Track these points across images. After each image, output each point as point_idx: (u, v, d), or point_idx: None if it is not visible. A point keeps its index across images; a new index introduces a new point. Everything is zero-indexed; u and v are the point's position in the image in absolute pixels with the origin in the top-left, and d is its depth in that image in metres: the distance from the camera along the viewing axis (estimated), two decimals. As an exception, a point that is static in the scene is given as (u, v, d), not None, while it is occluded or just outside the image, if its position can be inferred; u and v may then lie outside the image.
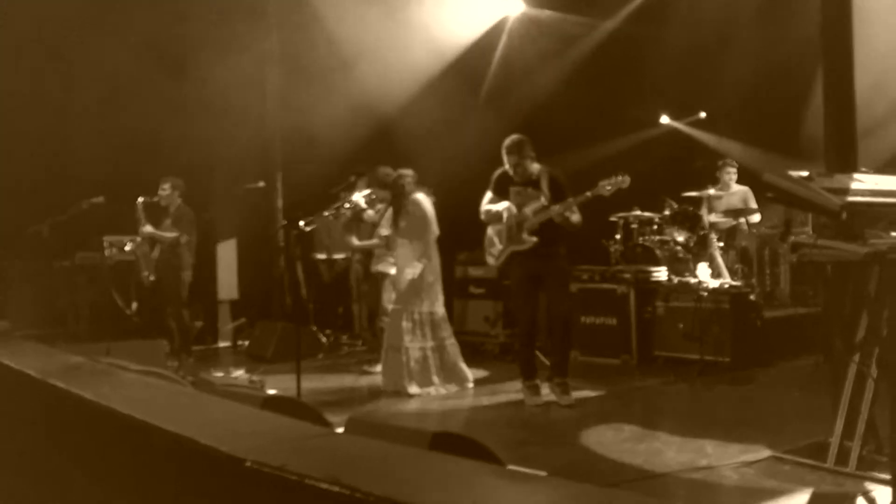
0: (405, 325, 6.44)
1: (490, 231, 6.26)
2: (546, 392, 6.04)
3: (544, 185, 5.97)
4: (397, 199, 6.68)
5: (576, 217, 5.89)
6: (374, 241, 7.43)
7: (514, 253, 6.02)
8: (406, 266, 6.55)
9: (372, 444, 2.19)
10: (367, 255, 7.75)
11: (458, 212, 7.27)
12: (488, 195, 6.20)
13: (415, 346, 6.44)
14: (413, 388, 6.39)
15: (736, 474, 4.10)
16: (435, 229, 6.64)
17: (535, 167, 6.04)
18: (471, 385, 6.63)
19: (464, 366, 6.68)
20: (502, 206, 6.04)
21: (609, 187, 5.76)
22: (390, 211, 6.83)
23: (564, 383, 5.98)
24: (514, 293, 6.23)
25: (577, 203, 5.83)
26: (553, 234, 5.93)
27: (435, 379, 6.48)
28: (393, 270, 6.94)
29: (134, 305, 8.33)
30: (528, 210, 5.96)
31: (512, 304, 6.33)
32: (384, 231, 7.16)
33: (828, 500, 3.76)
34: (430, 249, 6.59)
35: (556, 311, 6.04)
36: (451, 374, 6.58)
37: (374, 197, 7.13)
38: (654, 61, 9.89)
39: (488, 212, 6.17)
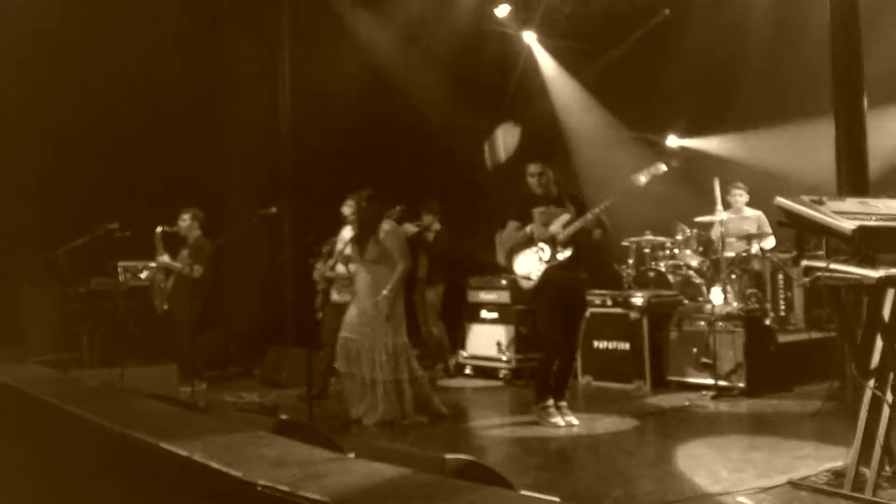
0: (379, 357, 6.16)
1: (517, 259, 6.12)
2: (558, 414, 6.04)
3: (567, 201, 6.05)
4: (368, 226, 6.40)
5: (608, 237, 5.95)
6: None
7: (549, 272, 5.95)
8: (372, 294, 6.27)
9: (383, 468, 2.19)
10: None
11: (469, 237, 7.31)
12: (511, 224, 6.12)
13: (390, 378, 6.16)
14: (374, 418, 6.12)
15: (752, 501, 4.06)
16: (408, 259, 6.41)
17: (555, 187, 6.08)
18: (445, 414, 6.38)
19: (436, 399, 6.46)
20: (528, 229, 6.03)
21: (644, 178, 5.72)
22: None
23: (565, 405, 6.09)
24: (546, 313, 6.04)
25: (614, 202, 5.81)
26: (579, 261, 5.98)
27: (408, 411, 6.19)
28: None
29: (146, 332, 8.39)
30: (556, 226, 5.97)
31: (541, 324, 6.17)
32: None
33: (845, 527, 3.72)
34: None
35: (572, 337, 6.10)
36: (424, 406, 6.32)
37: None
38: (667, 85, 9.98)
39: (511, 238, 6.08)
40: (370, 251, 6.30)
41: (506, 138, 5.77)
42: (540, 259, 6.00)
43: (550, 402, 6.03)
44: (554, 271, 5.95)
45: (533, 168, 6.06)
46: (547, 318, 6.04)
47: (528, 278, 6.05)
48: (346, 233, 7.08)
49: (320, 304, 7.68)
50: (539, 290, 6.02)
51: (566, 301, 6.00)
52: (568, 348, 6.09)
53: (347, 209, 6.97)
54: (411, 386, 6.20)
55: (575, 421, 5.96)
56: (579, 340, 6.28)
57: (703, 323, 7.18)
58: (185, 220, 8.00)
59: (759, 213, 8.52)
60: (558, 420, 5.95)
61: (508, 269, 6.26)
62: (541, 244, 6.00)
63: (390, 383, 6.13)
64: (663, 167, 5.75)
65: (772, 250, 8.42)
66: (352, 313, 6.34)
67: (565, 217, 5.97)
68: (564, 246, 5.93)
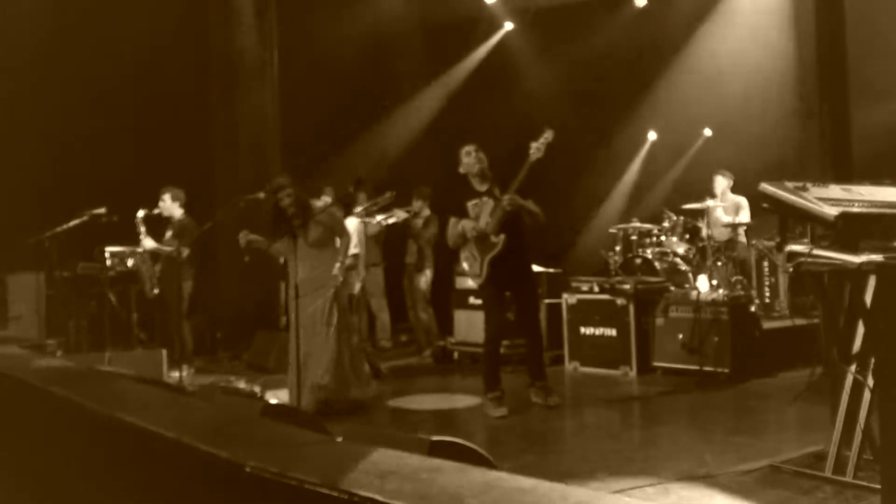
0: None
1: (464, 254, 6.25)
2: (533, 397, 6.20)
3: (496, 190, 6.10)
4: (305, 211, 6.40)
5: (532, 205, 5.97)
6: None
7: (491, 262, 6.03)
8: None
9: (369, 450, 2.22)
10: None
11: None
12: (451, 221, 6.26)
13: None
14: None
15: (734, 483, 4.11)
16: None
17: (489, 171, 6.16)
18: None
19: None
20: (459, 226, 6.14)
21: (541, 149, 5.82)
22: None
23: (545, 386, 6.17)
24: (488, 298, 6.29)
25: (520, 181, 5.87)
26: (517, 242, 6.04)
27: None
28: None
29: (134, 316, 8.35)
30: (483, 219, 6.07)
31: (484, 310, 6.39)
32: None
33: (825, 509, 3.77)
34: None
35: (527, 317, 6.22)
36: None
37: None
38: (649, 79, 10.02)
39: (451, 236, 6.24)
40: (311, 234, 6.31)
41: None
42: (482, 250, 6.06)
43: (497, 394, 6.08)
44: (495, 261, 6.00)
45: (467, 148, 6.15)
46: (487, 303, 6.28)
47: (478, 276, 6.11)
48: (350, 222, 7.22)
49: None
50: (484, 280, 6.08)
51: (505, 287, 6.08)
52: (528, 330, 6.22)
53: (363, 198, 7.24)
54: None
55: (549, 404, 6.07)
56: (539, 320, 6.40)
57: (689, 309, 7.23)
58: (165, 201, 7.96)
59: (739, 198, 8.57)
60: (502, 411, 5.98)
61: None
62: (476, 237, 6.06)
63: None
64: (551, 132, 5.85)
65: (755, 236, 8.48)
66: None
67: (491, 205, 6.05)
68: (496, 234, 6.00)
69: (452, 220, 6.25)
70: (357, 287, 7.53)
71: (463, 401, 6.66)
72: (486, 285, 6.14)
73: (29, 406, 3.41)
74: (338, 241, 6.38)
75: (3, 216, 8.31)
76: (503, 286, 6.12)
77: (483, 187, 6.17)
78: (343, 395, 6.19)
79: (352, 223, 7.60)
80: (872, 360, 3.85)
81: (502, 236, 5.99)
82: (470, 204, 6.16)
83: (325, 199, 7.23)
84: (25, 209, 8.30)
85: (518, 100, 10.14)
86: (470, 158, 6.14)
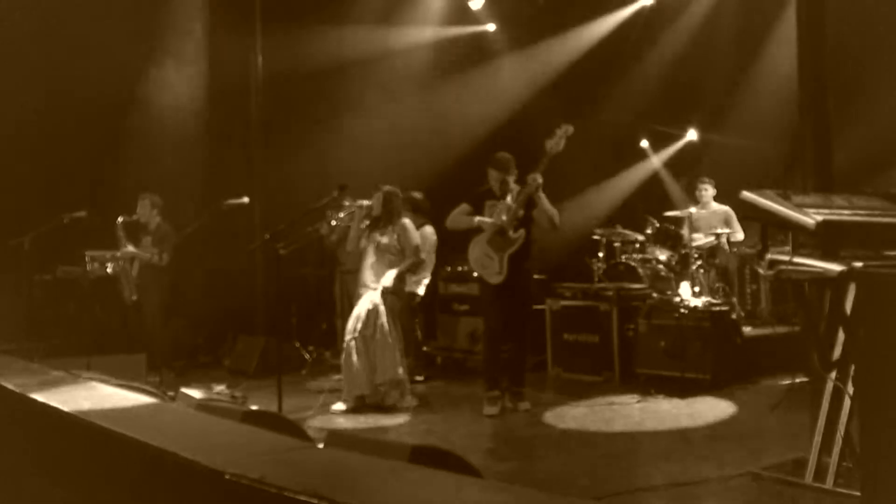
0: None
1: (473, 256, 6.31)
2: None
3: (514, 193, 6.19)
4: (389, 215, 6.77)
5: (548, 206, 6.07)
6: None
7: (510, 259, 6.09)
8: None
9: (351, 457, 2.21)
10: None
11: (440, 229, 7.33)
12: (463, 206, 6.37)
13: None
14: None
15: (715, 490, 4.13)
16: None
17: (515, 186, 6.22)
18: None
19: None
20: (476, 218, 6.24)
21: (560, 143, 5.97)
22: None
23: (519, 392, 6.29)
24: (483, 302, 6.42)
25: (540, 171, 5.98)
26: (523, 250, 6.12)
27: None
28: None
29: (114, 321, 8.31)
30: (500, 215, 6.15)
31: (482, 312, 6.52)
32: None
33: (805, 515, 3.79)
34: None
35: (517, 322, 6.27)
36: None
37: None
38: (637, 81, 10.05)
39: (457, 217, 6.36)
40: (384, 239, 6.61)
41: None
42: (499, 248, 6.10)
43: (494, 393, 6.21)
44: (512, 258, 6.07)
45: (495, 172, 6.25)
46: (485, 306, 6.40)
47: (499, 273, 6.14)
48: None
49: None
50: (506, 276, 6.11)
51: (508, 289, 6.13)
52: (515, 335, 6.28)
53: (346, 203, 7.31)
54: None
55: (519, 409, 6.19)
56: (528, 327, 6.45)
57: (671, 316, 7.26)
58: (144, 207, 7.97)
59: (726, 207, 8.63)
60: (495, 410, 6.14)
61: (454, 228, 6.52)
62: (492, 235, 6.13)
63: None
64: (570, 127, 6.01)
65: (738, 244, 8.53)
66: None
67: (507, 207, 6.15)
68: (515, 230, 6.09)
69: (465, 206, 6.35)
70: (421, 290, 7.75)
71: (445, 406, 6.64)
72: (483, 286, 6.24)
73: (7, 413, 3.36)
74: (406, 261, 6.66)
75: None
76: (501, 289, 6.15)
77: (501, 193, 6.25)
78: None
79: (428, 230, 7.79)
80: (852, 368, 3.88)
81: (522, 231, 6.09)
82: (489, 203, 6.27)
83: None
84: (5, 211, 8.21)
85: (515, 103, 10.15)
86: (495, 184, 6.25)
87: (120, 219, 7.86)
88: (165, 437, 2.33)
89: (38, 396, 3.07)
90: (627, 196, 10.60)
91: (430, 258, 7.75)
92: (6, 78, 8.33)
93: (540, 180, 6.03)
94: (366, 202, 6.86)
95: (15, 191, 8.40)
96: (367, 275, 6.66)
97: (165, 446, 2.21)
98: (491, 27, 10.57)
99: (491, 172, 6.27)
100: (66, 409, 2.82)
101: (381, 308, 6.46)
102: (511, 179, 6.21)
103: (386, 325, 6.44)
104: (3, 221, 8.05)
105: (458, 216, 6.38)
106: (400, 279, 6.64)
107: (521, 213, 6.10)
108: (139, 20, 9.04)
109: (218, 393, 6.88)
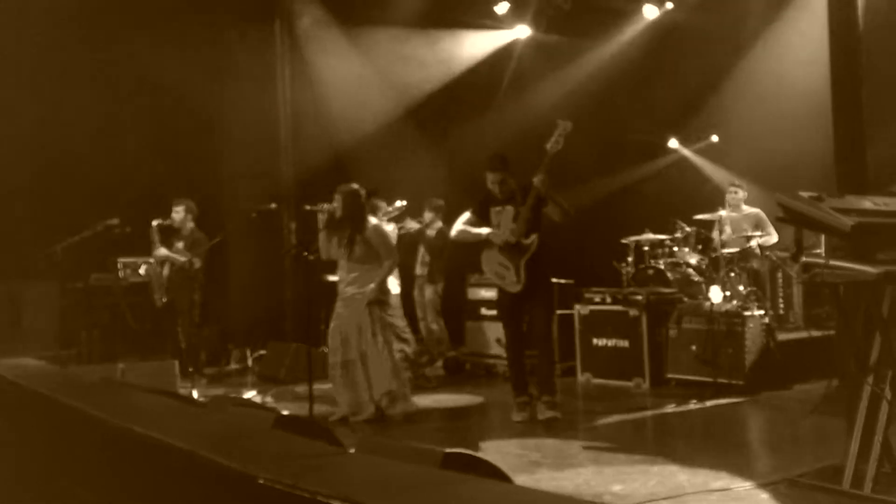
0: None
1: (488, 267, 6.22)
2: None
3: (519, 196, 6.06)
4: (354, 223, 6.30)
5: (559, 200, 5.95)
6: None
7: (527, 265, 6.00)
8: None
9: (384, 462, 2.20)
10: None
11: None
12: (466, 216, 6.28)
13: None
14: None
15: (750, 497, 4.07)
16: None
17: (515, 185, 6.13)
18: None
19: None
20: (483, 230, 6.15)
21: (559, 141, 5.82)
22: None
23: (550, 401, 6.08)
24: (501, 308, 6.36)
25: (544, 169, 5.83)
26: (538, 254, 6.01)
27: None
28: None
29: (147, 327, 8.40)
30: (507, 225, 6.05)
31: (500, 318, 6.44)
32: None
33: (843, 523, 3.73)
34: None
35: (538, 328, 6.15)
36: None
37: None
38: (664, 85, 9.97)
39: (464, 231, 6.26)
40: (357, 250, 6.23)
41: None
42: (512, 257, 6.02)
43: (523, 399, 6.14)
44: (528, 263, 5.97)
45: (491, 174, 6.12)
46: (503, 313, 6.36)
47: (517, 282, 6.05)
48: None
49: None
50: (524, 284, 6.02)
51: (528, 296, 6.04)
52: (539, 342, 6.16)
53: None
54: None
55: (540, 417, 6.01)
56: (551, 331, 6.39)
57: (702, 321, 7.19)
58: (179, 213, 8.03)
59: (757, 210, 8.52)
60: (524, 416, 6.07)
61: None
62: (503, 243, 6.03)
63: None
64: (569, 123, 5.86)
65: (770, 247, 8.42)
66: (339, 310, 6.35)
67: (512, 213, 6.03)
68: (526, 236, 5.99)
69: (469, 217, 6.25)
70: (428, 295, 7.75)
71: (476, 412, 6.63)
72: (500, 294, 6.19)
73: (42, 417, 3.41)
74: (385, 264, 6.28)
75: (17, 227, 8.36)
76: (517, 296, 6.07)
77: (504, 196, 6.15)
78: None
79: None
80: (890, 372, 3.81)
81: (533, 236, 5.98)
82: (494, 210, 6.16)
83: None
84: (38, 220, 8.34)
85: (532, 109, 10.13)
86: (494, 187, 6.13)
87: (154, 222, 7.95)
88: (197, 441, 2.34)
89: (74, 402, 3.10)
90: (656, 199, 10.51)
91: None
92: (41, 91, 8.49)
93: (544, 183, 5.86)
94: (327, 206, 6.50)
95: (49, 200, 8.55)
96: (348, 290, 6.28)
97: (198, 450, 2.22)
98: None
99: (488, 175, 6.13)
100: (100, 414, 2.85)
101: (366, 324, 6.16)
102: (511, 179, 6.08)
103: (375, 341, 6.17)
104: (37, 230, 8.18)
105: (465, 231, 6.26)
106: (382, 289, 6.30)
107: (529, 215, 5.97)
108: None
109: (248, 398, 6.94)
